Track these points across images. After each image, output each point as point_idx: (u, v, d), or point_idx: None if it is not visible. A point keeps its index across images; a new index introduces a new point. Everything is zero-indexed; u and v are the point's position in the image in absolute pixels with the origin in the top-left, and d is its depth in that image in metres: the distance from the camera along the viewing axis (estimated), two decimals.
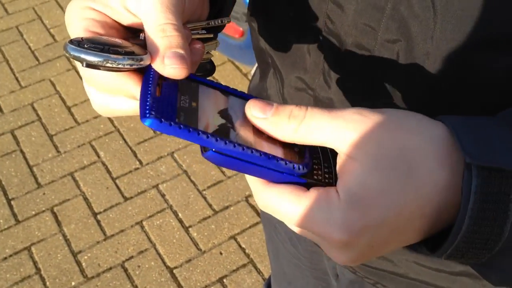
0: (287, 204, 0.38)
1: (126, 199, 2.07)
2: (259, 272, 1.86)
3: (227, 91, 0.43)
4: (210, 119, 0.39)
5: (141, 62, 0.40)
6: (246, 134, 0.40)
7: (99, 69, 0.39)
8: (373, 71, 0.53)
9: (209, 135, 0.37)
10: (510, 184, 0.35)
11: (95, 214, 2.02)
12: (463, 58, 0.47)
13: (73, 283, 1.84)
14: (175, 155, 2.20)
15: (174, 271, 1.86)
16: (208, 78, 0.43)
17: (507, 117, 0.40)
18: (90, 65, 0.39)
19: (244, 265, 1.88)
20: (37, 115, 2.38)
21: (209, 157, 0.38)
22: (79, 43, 0.39)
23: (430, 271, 0.64)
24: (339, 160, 0.39)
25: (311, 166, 0.40)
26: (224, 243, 1.93)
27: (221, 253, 1.90)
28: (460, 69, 0.48)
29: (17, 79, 2.54)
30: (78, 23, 0.44)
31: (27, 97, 2.45)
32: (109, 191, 2.10)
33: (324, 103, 0.61)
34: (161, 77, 0.40)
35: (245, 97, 0.43)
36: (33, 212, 2.03)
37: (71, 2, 0.46)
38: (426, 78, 0.50)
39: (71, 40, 0.40)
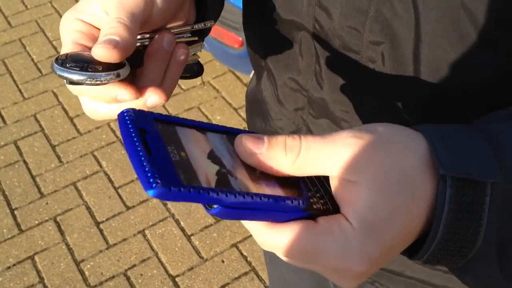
0: (300, 241, 0.37)
1: (128, 208, 2.08)
2: (261, 279, 1.87)
3: (202, 127, 0.40)
4: (205, 169, 0.36)
5: (119, 77, 0.44)
6: (242, 176, 0.38)
7: (82, 85, 0.44)
8: (362, 72, 0.55)
9: (218, 192, 0.34)
10: (483, 194, 0.36)
11: (97, 223, 2.04)
12: (449, 57, 0.49)
13: None
14: None
15: (177, 279, 1.88)
16: (181, 116, 0.41)
17: (482, 125, 0.40)
18: (72, 83, 0.44)
19: (246, 273, 1.89)
20: (40, 126, 2.41)
21: (217, 214, 0.35)
22: (63, 62, 0.43)
23: (425, 269, 0.65)
24: (339, 186, 0.38)
25: (308, 197, 0.39)
26: (226, 251, 1.95)
27: (223, 261, 1.91)
28: (447, 68, 0.49)
29: (20, 90, 2.56)
30: (68, 35, 0.48)
31: (30, 108, 2.48)
32: (111, 200, 2.11)
33: (318, 104, 0.63)
34: (141, 128, 0.36)
35: (220, 130, 0.41)
36: (36, 222, 2.05)
37: (65, 13, 0.50)
38: (414, 77, 0.51)
39: (56, 58, 0.44)
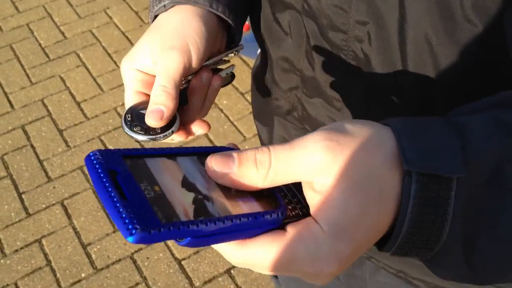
0: (271, 255, 0.37)
1: None
2: None
3: (172, 153, 0.40)
4: (181, 199, 0.36)
5: (173, 132, 0.55)
6: (218, 197, 0.37)
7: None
8: (351, 51, 0.56)
9: (198, 223, 0.34)
10: (449, 189, 0.36)
11: (104, 208, 2.05)
12: (432, 37, 0.49)
13: (83, 275, 1.86)
14: None
15: (182, 262, 1.88)
16: (141, 147, 0.43)
17: (453, 118, 0.40)
18: (137, 141, 0.56)
19: None
20: (47, 110, 2.41)
21: (188, 245, 0.35)
22: (131, 125, 0.54)
23: None
24: (309, 191, 0.38)
25: (285, 205, 0.39)
26: None
27: None
28: (434, 48, 0.49)
29: (27, 75, 2.57)
30: (130, 85, 0.58)
31: (38, 93, 2.48)
32: None
33: (310, 83, 0.64)
34: (110, 170, 0.35)
35: (190, 152, 0.41)
36: (44, 206, 2.06)
37: (123, 60, 0.58)
38: (400, 57, 0.52)
39: (125, 117, 0.55)
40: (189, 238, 0.34)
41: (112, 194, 0.33)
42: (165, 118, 0.54)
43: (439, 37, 0.48)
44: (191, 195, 0.36)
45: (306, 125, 0.70)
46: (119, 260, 1.89)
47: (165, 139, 0.55)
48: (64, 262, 1.89)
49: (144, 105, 0.56)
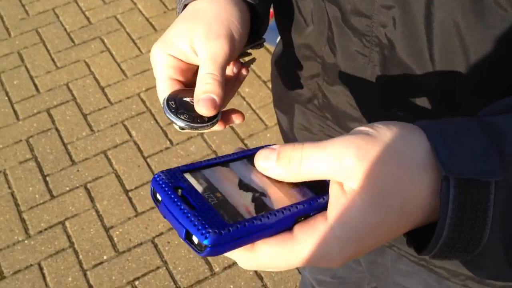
0: (281, 262, 0.39)
1: None
2: None
3: (224, 161, 0.44)
4: (241, 200, 0.40)
5: (217, 123, 0.55)
6: (273, 191, 0.41)
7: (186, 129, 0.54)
8: (374, 37, 0.55)
9: (261, 217, 0.38)
10: (488, 192, 0.36)
11: (126, 191, 2.07)
12: (461, 22, 0.48)
13: (104, 257, 1.89)
14: (205, 135, 2.23)
15: None
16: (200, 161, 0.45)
17: (484, 119, 0.40)
18: (182, 128, 0.54)
19: None
20: (72, 95, 2.44)
21: (209, 253, 0.37)
22: (175, 110, 0.53)
23: None
24: (335, 190, 0.39)
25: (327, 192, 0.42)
26: None
27: None
28: (459, 33, 0.49)
29: (53, 60, 2.60)
30: (162, 70, 0.56)
31: (63, 78, 2.52)
32: (140, 169, 2.15)
33: (331, 70, 0.64)
34: (175, 187, 0.39)
35: (239, 157, 0.44)
36: (67, 188, 2.09)
37: (155, 45, 0.57)
38: (427, 40, 0.51)
39: (167, 101, 0.54)
40: (209, 248, 0.36)
41: (182, 207, 0.37)
42: (217, 107, 0.53)
43: (468, 21, 0.47)
44: (249, 195, 0.40)
45: (327, 113, 0.70)
46: (141, 243, 1.92)
47: (212, 127, 0.55)
48: (87, 244, 1.93)
49: (183, 93, 0.56)
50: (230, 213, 0.38)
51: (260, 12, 0.60)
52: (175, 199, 0.38)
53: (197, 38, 0.54)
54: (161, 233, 1.94)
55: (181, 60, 0.57)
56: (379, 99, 0.61)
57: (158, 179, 0.40)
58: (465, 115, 0.42)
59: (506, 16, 0.46)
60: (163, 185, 0.39)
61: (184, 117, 0.53)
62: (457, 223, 0.37)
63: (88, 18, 2.79)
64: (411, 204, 0.38)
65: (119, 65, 2.55)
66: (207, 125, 0.54)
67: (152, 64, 0.57)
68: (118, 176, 2.13)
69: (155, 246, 1.91)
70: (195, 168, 0.42)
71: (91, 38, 2.69)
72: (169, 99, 0.55)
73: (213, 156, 2.16)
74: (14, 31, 2.75)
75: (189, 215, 0.36)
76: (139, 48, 2.62)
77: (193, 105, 0.54)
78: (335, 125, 0.70)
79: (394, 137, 0.38)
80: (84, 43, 2.67)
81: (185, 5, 0.60)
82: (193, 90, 0.54)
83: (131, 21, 2.76)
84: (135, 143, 2.24)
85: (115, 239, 1.94)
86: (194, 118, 0.54)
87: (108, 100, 2.41)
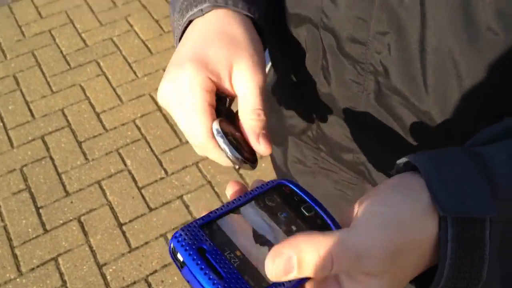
0: None
1: (151, 209, 2.08)
2: None
3: (234, 208, 0.43)
4: (260, 256, 0.39)
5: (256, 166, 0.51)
6: (284, 237, 0.41)
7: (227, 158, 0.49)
8: (369, 64, 0.55)
9: (284, 282, 0.37)
10: (483, 228, 0.37)
11: (120, 225, 2.04)
12: (455, 46, 0.48)
13: None
14: (199, 165, 2.20)
15: None
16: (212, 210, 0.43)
17: (474, 149, 0.41)
18: (237, 165, 0.50)
19: None
20: (67, 120, 2.42)
21: None
22: (230, 141, 0.48)
23: None
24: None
25: (335, 223, 0.44)
26: None
27: None
28: (453, 57, 0.49)
29: (48, 83, 2.57)
30: (202, 94, 0.49)
31: (58, 103, 2.49)
32: (134, 200, 2.12)
33: (326, 100, 0.64)
34: (198, 247, 0.38)
35: (247, 200, 0.43)
36: (61, 221, 2.07)
37: (188, 63, 0.49)
38: (421, 66, 0.51)
39: (219, 123, 0.48)
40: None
41: (211, 277, 0.36)
42: (272, 143, 0.51)
43: (461, 46, 0.48)
44: (265, 249, 0.40)
45: (321, 144, 0.70)
46: (134, 282, 1.89)
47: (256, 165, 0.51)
48: (80, 283, 1.90)
49: (224, 125, 0.49)
50: (255, 277, 0.37)
51: (265, 38, 0.57)
52: (202, 266, 0.37)
53: (241, 68, 0.50)
54: (155, 271, 1.91)
55: (216, 84, 0.51)
56: (373, 128, 0.61)
57: (180, 239, 0.38)
58: (460, 139, 0.43)
59: (498, 41, 0.46)
60: (187, 247, 0.38)
61: (240, 152, 0.49)
62: (457, 263, 0.38)
63: (84, 40, 2.76)
64: (422, 263, 0.39)
65: (114, 90, 2.52)
66: (256, 161, 0.51)
67: (181, 83, 0.50)
68: (112, 208, 2.10)
69: (149, 285, 1.88)
70: (210, 220, 0.41)
71: (87, 61, 2.65)
72: (224, 132, 0.49)
73: (209, 187, 2.13)
74: (10, 53, 2.72)
75: (219, 286, 0.36)
76: (135, 72, 2.58)
77: (239, 139, 0.50)
78: (329, 157, 0.71)
79: (396, 203, 0.39)
80: (80, 66, 2.64)
81: (190, 21, 0.55)
82: (232, 122, 0.51)
83: (127, 43, 2.72)
84: (130, 172, 2.21)
85: (108, 277, 1.91)
86: (242, 153, 0.49)
87: (103, 126, 2.38)
